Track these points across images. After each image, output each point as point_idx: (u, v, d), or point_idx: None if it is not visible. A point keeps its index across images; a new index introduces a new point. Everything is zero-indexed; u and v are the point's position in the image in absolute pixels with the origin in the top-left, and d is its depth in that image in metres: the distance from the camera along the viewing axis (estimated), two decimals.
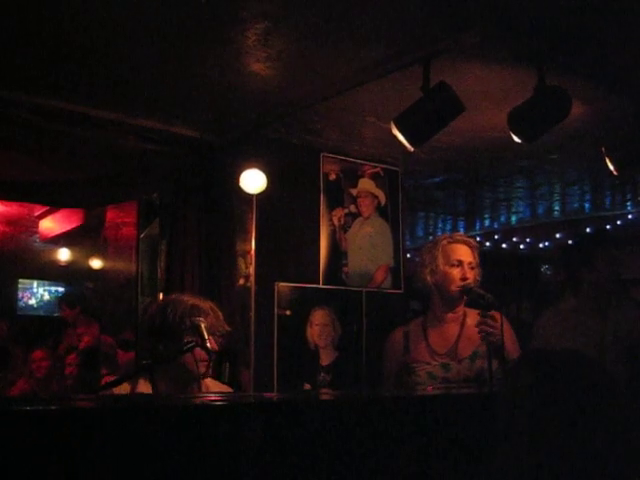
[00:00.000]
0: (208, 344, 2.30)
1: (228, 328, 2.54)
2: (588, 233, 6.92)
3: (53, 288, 8.18)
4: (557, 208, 6.98)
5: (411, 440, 1.88)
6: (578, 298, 3.22)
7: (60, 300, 6.96)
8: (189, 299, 2.51)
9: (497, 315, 2.68)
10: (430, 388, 2.76)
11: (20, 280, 7.98)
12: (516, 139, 3.15)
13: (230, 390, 2.80)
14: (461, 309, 2.95)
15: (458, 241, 2.95)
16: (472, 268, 2.90)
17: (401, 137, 3.07)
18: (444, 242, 2.94)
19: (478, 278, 2.90)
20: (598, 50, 3.13)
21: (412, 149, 3.11)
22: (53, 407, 1.55)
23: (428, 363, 2.86)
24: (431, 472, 1.90)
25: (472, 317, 2.94)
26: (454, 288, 2.87)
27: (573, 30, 2.94)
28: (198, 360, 2.36)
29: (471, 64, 3.23)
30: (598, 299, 3.17)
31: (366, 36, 2.96)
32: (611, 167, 3.58)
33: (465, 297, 2.91)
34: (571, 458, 1.21)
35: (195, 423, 1.58)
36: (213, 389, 2.58)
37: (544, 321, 3.27)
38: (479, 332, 2.74)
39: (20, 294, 7.88)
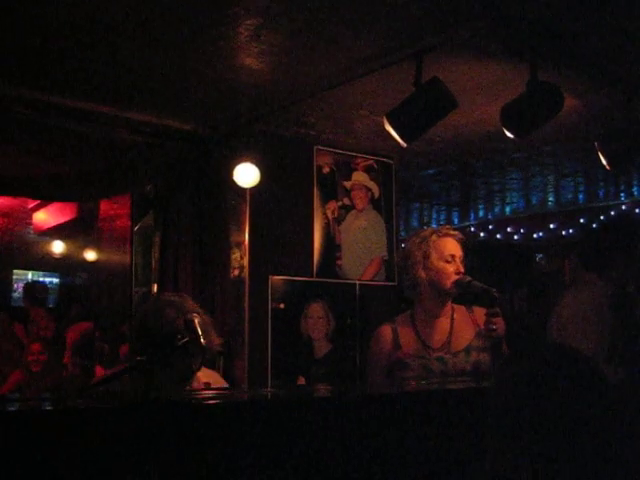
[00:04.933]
0: (202, 340, 2.28)
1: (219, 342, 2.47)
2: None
3: (48, 279, 8.21)
4: (551, 199, 7.00)
5: (410, 435, 1.90)
6: (599, 288, 3.05)
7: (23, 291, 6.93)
8: (185, 302, 2.44)
9: (498, 309, 2.70)
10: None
11: (15, 271, 8.01)
12: (508, 134, 3.15)
13: (219, 378, 2.73)
14: (449, 304, 2.96)
15: (447, 235, 2.92)
16: (462, 262, 2.91)
17: (394, 133, 3.07)
18: (434, 237, 2.90)
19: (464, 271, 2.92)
20: (590, 44, 3.14)
21: (405, 145, 3.11)
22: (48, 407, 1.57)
23: (423, 357, 2.85)
24: (431, 467, 1.91)
25: (459, 312, 2.95)
26: (450, 283, 2.87)
27: (565, 25, 2.94)
28: (191, 355, 2.35)
29: (464, 59, 3.22)
30: (618, 292, 3.01)
31: (359, 31, 2.95)
32: (604, 162, 3.58)
33: (457, 291, 2.90)
34: (558, 454, 1.23)
35: (190, 421, 1.59)
36: (203, 379, 2.53)
37: (564, 307, 3.10)
38: (486, 330, 2.74)
39: (15, 285, 7.91)
